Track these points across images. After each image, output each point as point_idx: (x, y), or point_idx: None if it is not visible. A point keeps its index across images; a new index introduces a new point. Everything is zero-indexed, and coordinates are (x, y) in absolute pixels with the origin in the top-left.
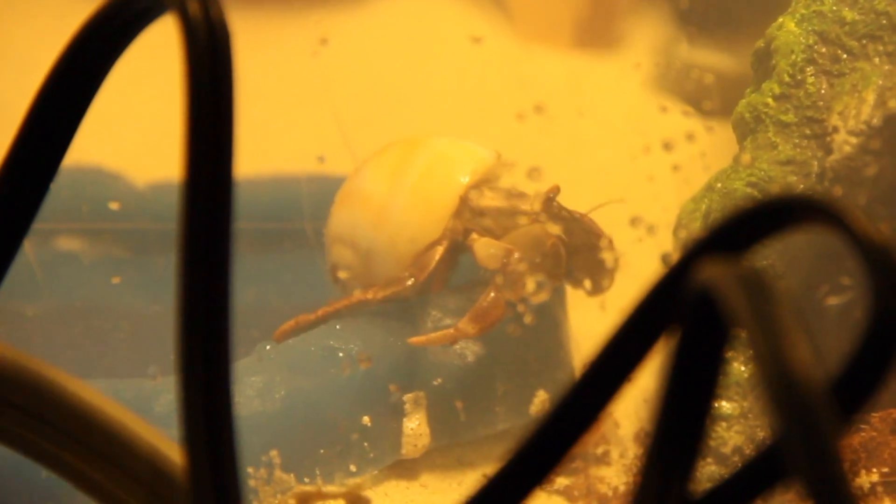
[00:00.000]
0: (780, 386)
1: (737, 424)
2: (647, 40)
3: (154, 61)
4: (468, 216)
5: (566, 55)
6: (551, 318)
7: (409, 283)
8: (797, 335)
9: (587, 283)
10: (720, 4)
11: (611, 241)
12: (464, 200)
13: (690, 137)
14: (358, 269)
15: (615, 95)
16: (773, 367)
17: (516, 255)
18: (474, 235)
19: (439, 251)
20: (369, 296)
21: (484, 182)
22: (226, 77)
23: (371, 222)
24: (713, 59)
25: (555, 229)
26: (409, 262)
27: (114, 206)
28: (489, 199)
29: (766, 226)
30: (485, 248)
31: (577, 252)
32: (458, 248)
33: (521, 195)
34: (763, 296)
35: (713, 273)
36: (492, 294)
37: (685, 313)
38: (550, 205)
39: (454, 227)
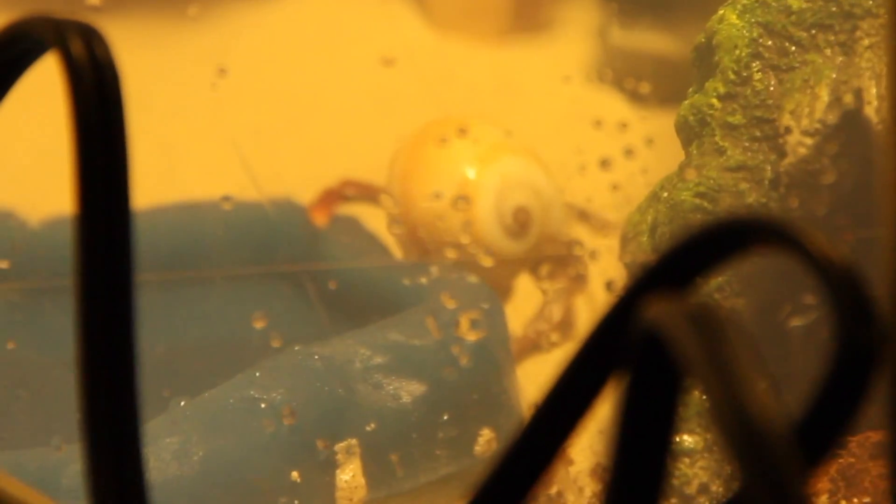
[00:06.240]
0: (739, 442)
1: (701, 459)
2: (577, 26)
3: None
4: None
5: (490, 52)
6: (492, 361)
7: None
8: (755, 382)
9: None
10: None
11: None
12: None
13: (628, 135)
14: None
15: (546, 98)
16: (731, 420)
17: None
18: None
19: None
20: None
21: None
22: (117, 123)
23: None
24: (649, 40)
25: None
26: None
27: (2, 264)
28: None
29: (713, 254)
30: None
31: None
32: None
33: None
34: (715, 339)
35: (659, 313)
36: None
37: (633, 357)
38: None
39: None
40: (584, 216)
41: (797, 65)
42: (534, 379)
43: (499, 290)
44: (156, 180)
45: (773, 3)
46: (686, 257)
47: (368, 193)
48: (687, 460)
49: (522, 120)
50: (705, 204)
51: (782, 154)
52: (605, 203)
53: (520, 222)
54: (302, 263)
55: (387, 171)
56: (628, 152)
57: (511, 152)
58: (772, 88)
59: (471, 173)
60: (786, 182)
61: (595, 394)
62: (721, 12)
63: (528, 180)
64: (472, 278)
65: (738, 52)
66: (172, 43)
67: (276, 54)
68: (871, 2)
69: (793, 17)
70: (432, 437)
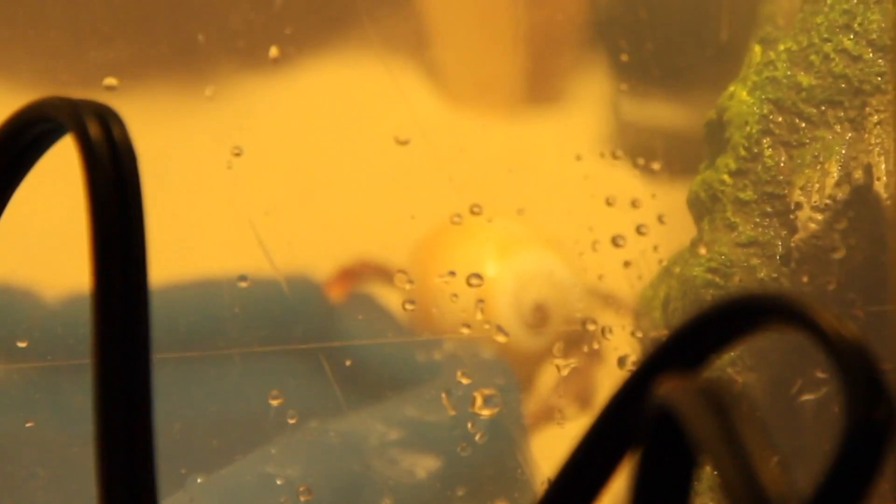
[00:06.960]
0: None
1: None
2: (588, 98)
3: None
4: None
5: (503, 126)
6: (507, 436)
7: None
8: (765, 458)
9: None
10: (664, 57)
11: None
12: None
13: (639, 211)
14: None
15: (558, 174)
16: (742, 496)
17: None
18: None
19: None
20: None
21: None
22: (133, 202)
23: None
24: (660, 115)
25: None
26: None
27: (21, 344)
28: None
29: (724, 333)
30: None
31: None
32: None
33: None
34: (726, 416)
35: (671, 391)
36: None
37: (646, 433)
38: None
39: None
40: (608, 302)
41: (807, 141)
42: (548, 453)
43: (520, 378)
44: (172, 258)
45: (784, 80)
46: (697, 336)
47: (383, 275)
48: None
49: (535, 197)
50: (717, 279)
51: (793, 229)
52: (617, 279)
53: (539, 318)
54: (317, 341)
55: (402, 249)
56: (640, 229)
57: (525, 245)
58: (782, 164)
59: (489, 271)
60: (797, 257)
61: (609, 470)
62: (731, 89)
63: (545, 272)
64: (487, 354)
65: (748, 128)
66: (189, 122)
67: (291, 133)
68: (879, 78)
69: (803, 94)
70: None
